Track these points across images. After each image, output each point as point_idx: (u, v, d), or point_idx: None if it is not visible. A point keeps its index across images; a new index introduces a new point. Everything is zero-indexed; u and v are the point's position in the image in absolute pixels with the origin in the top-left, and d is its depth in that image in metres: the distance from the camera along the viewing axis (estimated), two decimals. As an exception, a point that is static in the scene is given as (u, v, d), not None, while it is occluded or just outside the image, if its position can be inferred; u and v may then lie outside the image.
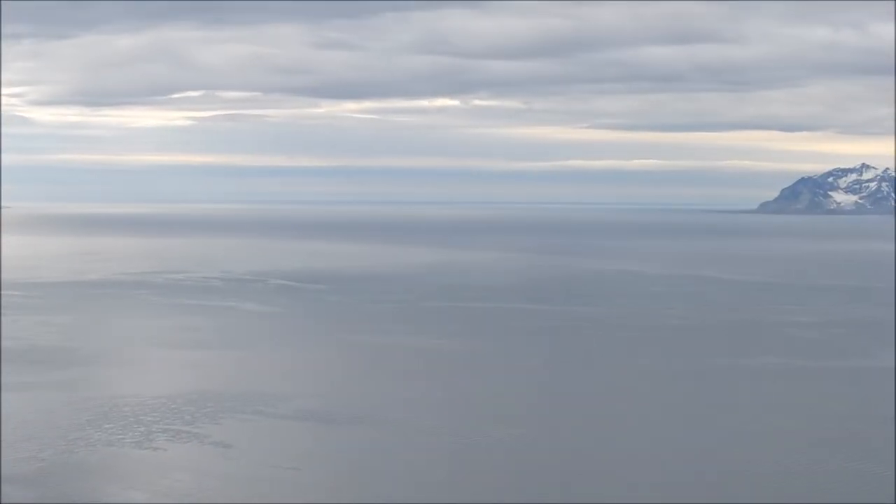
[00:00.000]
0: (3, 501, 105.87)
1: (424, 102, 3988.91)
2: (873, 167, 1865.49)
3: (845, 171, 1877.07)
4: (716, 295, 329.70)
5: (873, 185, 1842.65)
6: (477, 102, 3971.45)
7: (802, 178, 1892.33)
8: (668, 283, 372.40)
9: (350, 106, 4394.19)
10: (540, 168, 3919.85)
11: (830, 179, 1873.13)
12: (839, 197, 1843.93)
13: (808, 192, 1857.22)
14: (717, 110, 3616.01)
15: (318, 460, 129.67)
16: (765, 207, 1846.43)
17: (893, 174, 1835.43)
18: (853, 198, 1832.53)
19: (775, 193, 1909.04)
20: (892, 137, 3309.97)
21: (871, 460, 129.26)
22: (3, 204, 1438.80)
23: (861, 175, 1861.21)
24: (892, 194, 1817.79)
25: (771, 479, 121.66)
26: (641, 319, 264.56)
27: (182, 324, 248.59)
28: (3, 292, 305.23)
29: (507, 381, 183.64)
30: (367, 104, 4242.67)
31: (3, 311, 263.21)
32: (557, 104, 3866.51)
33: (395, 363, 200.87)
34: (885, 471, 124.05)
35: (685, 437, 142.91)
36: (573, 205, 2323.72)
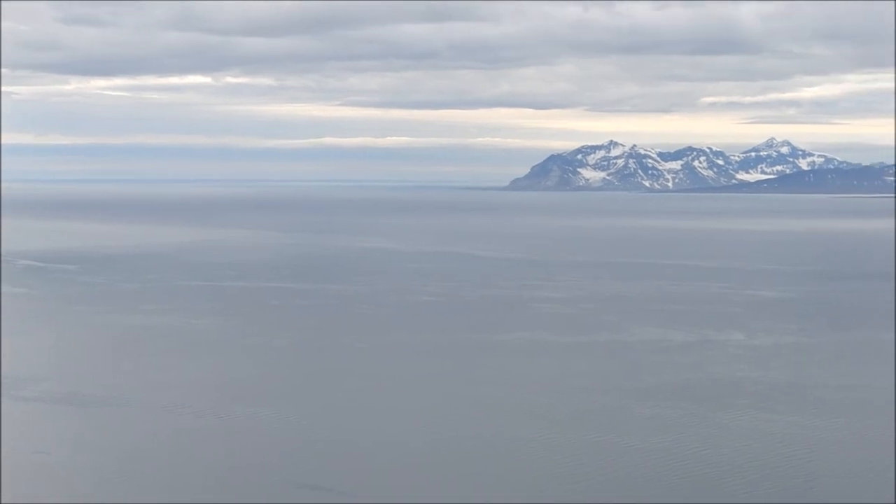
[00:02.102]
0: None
1: (176, 79, 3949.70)
2: (621, 144, 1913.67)
3: (594, 149, 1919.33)
4: (469, 271, 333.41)
5: (620, 161, 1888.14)
6: (229, 80, 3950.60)
7: (552, 155, 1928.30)
8: (423, 259, 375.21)
9: (100, 83, 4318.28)
10: (294, 146, 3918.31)
11: (579, 156, 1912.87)
12: (588, 173, 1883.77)
13: (558, 168, 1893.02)
14: (471, 88, 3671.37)
15: (68, 444, 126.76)
16: (516, 184, 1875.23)
17: (640, 151, 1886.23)
18: (601, 174, 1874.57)
19: (526, 170, 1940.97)
20: (638, 115, 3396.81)
21: (616, 433, 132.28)
22: None
23: (609, 152, 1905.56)
24: (639, 171, 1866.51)
25: (519, 452, 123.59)
26: (396, 296, 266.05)
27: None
28: None
29: (258, 360, 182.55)
30: (118, 81, 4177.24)
31: None
32: (311, 81, 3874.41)
33: (146, 344, 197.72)
34: (632, 442, 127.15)
35: (435, 412, 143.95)
36: (328, 182, 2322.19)
